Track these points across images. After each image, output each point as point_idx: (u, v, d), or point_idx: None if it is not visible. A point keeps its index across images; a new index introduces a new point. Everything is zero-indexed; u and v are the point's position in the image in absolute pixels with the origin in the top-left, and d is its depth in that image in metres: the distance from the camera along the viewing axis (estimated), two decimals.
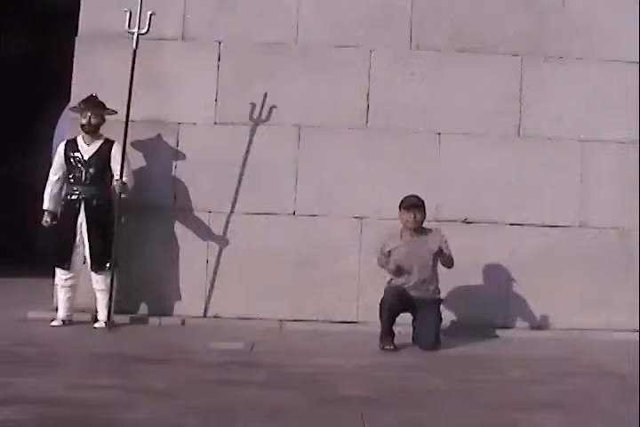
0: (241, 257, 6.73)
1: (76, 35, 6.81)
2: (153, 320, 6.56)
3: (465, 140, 6.85)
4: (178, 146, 6.83)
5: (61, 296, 6.30)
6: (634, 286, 6.66)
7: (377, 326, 5.80)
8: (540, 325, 6.69)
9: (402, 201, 5.98)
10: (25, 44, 12.17)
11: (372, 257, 6.18)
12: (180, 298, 6.72)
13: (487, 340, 6.41)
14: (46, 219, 6.38)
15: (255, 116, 6.83)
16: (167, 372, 4.64)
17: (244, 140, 6.81)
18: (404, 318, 5.92)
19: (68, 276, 6.26)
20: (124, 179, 6.18)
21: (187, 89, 6.81)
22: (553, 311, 6.70)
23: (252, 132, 6.83)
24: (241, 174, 6.80)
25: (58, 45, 8.97)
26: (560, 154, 6.90)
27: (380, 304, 5.78)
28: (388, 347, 5.67)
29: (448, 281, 6.64)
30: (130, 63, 6.19)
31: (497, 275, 6.78)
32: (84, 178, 6.27)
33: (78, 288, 6.31)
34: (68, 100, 6.80)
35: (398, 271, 5.84)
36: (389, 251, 5.91)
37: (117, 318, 6.29)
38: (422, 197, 6.07)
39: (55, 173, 6.39)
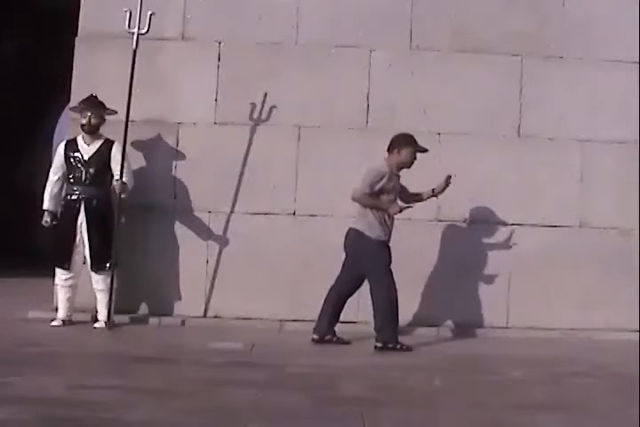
0: (241, 257, 6.73)
1: (76, 35, 6.81)
2: (153, 320, 6.56)
3: (465, 141, 6.85)
4: (178, 146, 6.83)
5: (61, 296, 6.29)
6: (634, 285, 6.66)
7: None
8: (540, 325, 6.67)
9: (413, 140, 5.91)
10: (25, 44, 12.16)
11: None
12: (179, 298, 6.72)
13: (487, 340, 6.41)
14: (46, 219, 6.38)
15: (255, 116, 6.83)
16: (167, 372, 4.64)
17: (244, 140, 6.81)
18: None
19: (68, 276, 6.26)
20: (124, 179, 6.18)
21: (187, 89, 6.81)
22: (553, 311, 6.69)
23: (252, 132, 6.83)
24: (241, 174, 6.80)
25: (58, 45, 8.97)
26: (560, 154, 6.90)
27: (390, 299, 5.68)
28: (407, 346, 5.67)
29: (448, 281, 6.67)
30: (130, 63, 6.19)
31: (497, 275, 6.78)
32: (83, 178, 6.26)
33: (78, 288, 6.31)
34: (68, 101, 6.81)
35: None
36: (380, 189, 5.79)
37: (117, 318, 6.29)
38: None
39: (55, 173, 6.39)
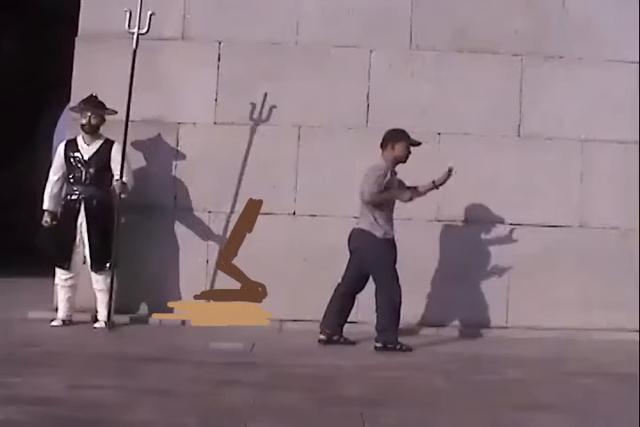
0: (241, 257, 6.73)
1: (76, 35, 6.81)
2: (153, 320, 6.56)
3: (465, 141, 6.85)
4: (178, 146, 6.83)
5: (61, 296, 6.29)
6: (634, 286, 6.66)
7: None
8: (540, 325, 6.67)
9: (406, 134, 5.87)
10: (25, 44, 12.16)
11: None
12: (179, 298, 6.71)
13: (487, 340, 6.42)
14: (46, 219, 6.38)
15: (255, 116, 6.83)
16: (167, 372, 4.64)
17: (244, 140, 6.81)
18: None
19: (68, 276, 6.26)
20: (124, 179, 6.18)
21: (187, 89, 6.81)
22: (553, 311, 6.69)
23: (252, 132, 6.83)
24: (241, 174, 6.80)
25: (58, 46, 8.97)
26: (560, 154, 6.91)
27: (394, 300, 5.67)
28: (407, 347, 5.66)
29: (448, 281, 6.68)
30: (130, 63, 6.19)
31: (497, 275, 6.77)
32: (83, 178, 6.26)
33: (78, 288, 6.31)
34: (68, 101, 6.81)
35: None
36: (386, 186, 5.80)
37: (117, 318, 6.29)
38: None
39: (55, 173, 6.39)
